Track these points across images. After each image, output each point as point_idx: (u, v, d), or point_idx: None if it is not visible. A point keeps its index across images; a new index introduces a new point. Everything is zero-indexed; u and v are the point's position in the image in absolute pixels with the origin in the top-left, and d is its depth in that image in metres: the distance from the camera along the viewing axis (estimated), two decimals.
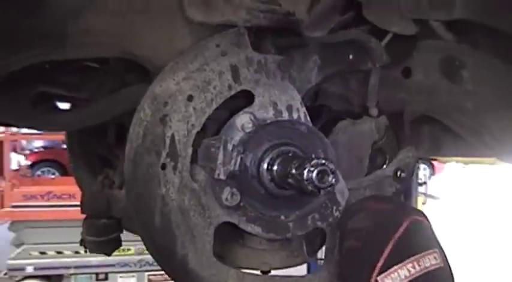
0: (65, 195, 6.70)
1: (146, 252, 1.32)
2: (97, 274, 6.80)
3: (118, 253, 6.59)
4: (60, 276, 6.88)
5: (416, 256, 1.08)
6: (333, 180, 1.10)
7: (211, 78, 1.22)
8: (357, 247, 1.18)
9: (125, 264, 6.72)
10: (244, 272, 1.29)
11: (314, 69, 1.32)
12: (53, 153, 13.17)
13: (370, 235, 1.18)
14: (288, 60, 1.29)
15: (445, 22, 1.44)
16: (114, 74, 1.71)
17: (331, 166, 1.10)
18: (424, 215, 1.21)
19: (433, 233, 1.19)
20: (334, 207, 1.30)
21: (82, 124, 1.65)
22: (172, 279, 1.27)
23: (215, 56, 1.23)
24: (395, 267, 1.07)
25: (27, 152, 13.30)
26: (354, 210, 1.25)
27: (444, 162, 13.05)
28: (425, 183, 12.35)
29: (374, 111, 1.43)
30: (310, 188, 1.10)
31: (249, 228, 1.24)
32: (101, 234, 1.72)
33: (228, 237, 1.33)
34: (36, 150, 13.67)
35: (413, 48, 1.55)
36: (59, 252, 6.62)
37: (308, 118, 1.28)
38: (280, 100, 1.26)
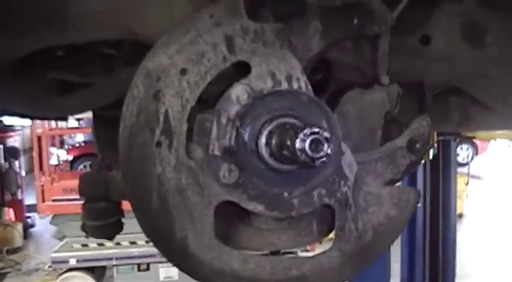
0: None
1: None
2: (139, 265, 6.86)
3: None
4: (103, 267, 7.00)
5: None
6: (329, 149, 1.02)
7: (205, 50, 1.15)
8: None
9: None
10: (248, 254, 1.22)
11: (315, 36, 1.23)
12: (93, 147, 13.35)
13: None
14: (287, 27, 1.21)
15: None
16: (124, 57, 1.67)
17: (326, 134, 1.02)
18: None
19: None
20: (342, 182, 1.21)
21: (85, 108, 1.62)
22: (172, 264, 1.21)
23: (209, 27, 1.16)
24: None
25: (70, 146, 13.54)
26: None
27: (488, 141, 12.75)
28: (467, 163, 12.09)
29: (385, 80, 1.33)
30: (303, 158, 1.02)
31: (251, 206, 1.17)
32: (101, 218, 1.68)
33: (233, 217, 1.26)
34: (77, 144, 13.87)
35: (431, 14, 1.46)
36: (101, 244, 6.70)
37: (310, 87, 1.20)
38: (279, 69, 1.18)
